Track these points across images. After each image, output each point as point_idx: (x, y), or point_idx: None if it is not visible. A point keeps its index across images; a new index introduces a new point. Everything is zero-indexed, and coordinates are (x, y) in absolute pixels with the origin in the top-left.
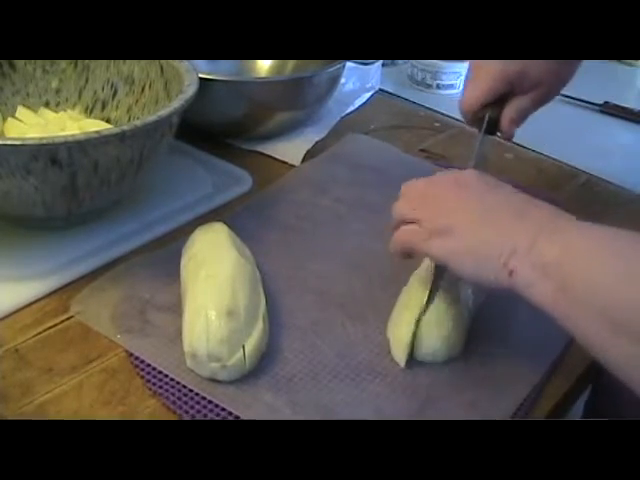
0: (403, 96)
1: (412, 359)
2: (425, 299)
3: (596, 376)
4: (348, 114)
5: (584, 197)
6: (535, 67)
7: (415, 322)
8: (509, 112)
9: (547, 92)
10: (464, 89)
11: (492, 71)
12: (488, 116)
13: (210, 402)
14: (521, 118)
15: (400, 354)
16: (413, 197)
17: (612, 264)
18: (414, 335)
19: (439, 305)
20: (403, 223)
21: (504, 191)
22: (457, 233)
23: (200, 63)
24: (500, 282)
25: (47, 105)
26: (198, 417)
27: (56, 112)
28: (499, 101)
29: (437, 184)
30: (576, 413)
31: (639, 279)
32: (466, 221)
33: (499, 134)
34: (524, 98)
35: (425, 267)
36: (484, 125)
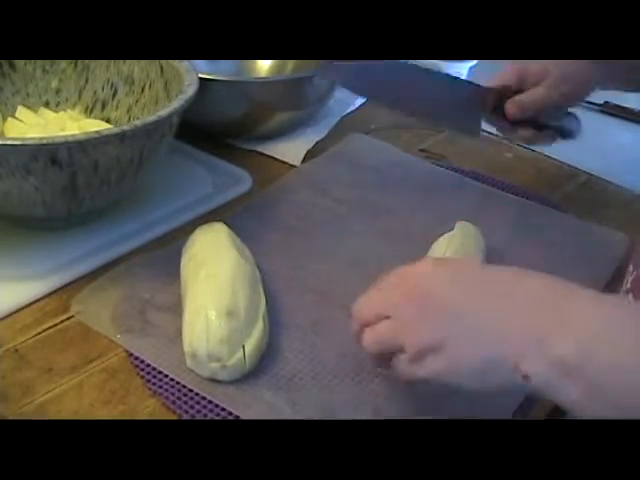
0: None
1: None
2: None
3: None
4: (348, 114)
5: (584, 197)
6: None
7: None
8: (519, 96)
9: (558, 81)
10: None
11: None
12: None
13: (210, 402)
14: (531, 104)
15: None
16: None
17: (628, 354)
18: None
19: None
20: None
21: (486, 278)
22: (450, 346)
23: (200, 63)
24: (516, 385)
25: (47, 105)
26: (198, 417)
27: (56, 112)
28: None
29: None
30: None
31: None
32: (457, 330)
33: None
34: (537, 88)
35: None
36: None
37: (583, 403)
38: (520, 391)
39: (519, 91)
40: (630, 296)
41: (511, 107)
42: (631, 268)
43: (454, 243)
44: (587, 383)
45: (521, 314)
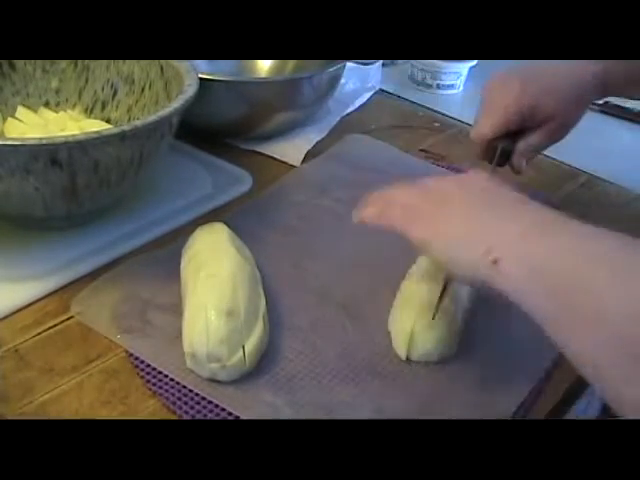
0: (403, 96)
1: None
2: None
3: None
4: (348, 114)
5: (584, 197)
6: (547, 101)
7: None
8: (522, 146)
9: (558, 127)
10: (476, 121)
11: (505, 104)
12: (501, 148)
13: (210, 402)
14: (532, 153)
15: (401, 346)
16: (413, 190)
17: (600, 268)
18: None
19: (431, 306)
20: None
21: (505, 190)
22: (442, 220)
23: (200, 63)
24: (483, 272)
25: (47, 105)
26: (198, 417)
27: (56, 112)
28: (511, 135)
29: (441, 182)
30: (577, 412)
31: (629, 285)
32: (455, 210)
33: (509, 167)
34: (536, 133)
35: (422, 261)
36: (496, 157)
37: (542, 305)
38: (487, 280)
39: (516, 131)
40: None
41: (519, 160)
42: None
43: None
44: (550, 284)
45: (511, 222)
